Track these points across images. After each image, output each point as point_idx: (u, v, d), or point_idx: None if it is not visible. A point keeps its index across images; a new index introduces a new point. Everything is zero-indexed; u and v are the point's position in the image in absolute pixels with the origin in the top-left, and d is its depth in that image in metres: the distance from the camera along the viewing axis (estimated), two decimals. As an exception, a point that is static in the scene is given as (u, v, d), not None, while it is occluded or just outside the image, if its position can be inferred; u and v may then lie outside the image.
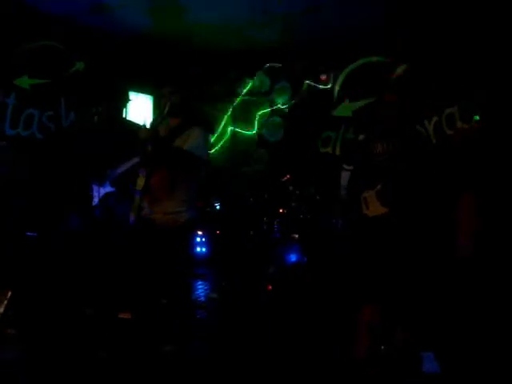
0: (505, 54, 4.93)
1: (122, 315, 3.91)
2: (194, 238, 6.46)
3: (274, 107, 7.49)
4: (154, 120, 3.46)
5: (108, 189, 4.66)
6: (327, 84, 6.95)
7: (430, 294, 3.14)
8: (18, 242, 4.47)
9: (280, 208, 6.23)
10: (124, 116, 5.67)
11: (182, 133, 3.36)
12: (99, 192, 4.61)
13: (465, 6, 5.10)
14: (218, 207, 6.92)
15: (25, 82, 5.50)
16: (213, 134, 7.09)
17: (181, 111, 3.48)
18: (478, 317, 3.61)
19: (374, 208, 2.94)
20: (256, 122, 7.55)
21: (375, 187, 2.95)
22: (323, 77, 6.95)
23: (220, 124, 7.65)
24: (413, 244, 2.87)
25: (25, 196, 4.94)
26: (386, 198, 2.90)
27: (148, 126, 3.35)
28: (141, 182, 3.38)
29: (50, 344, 3.58)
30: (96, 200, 4.85)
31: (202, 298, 5.16)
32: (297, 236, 5.89)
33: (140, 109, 6.92)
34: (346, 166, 3.38)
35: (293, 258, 5.73)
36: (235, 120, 7.65)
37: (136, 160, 3.77)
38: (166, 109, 3.33)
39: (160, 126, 3.40)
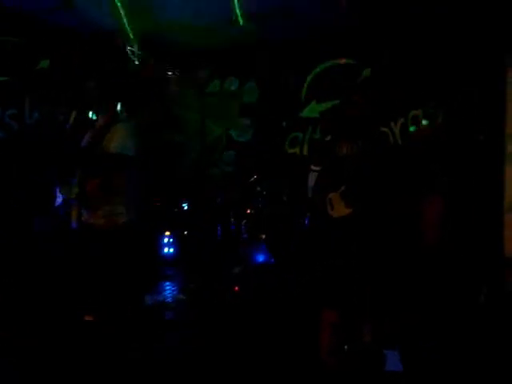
0: (468, 59, 5.07)
1: (87, 318, 3.86)
2: (159, 239, 6.41)
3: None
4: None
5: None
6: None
7: (394, 293, 3.19)
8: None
9: (247, 208, 6.24)
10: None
11: (107, 133, 3.22)
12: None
13: (431, 12, 5.20)
14: (185, 208, 6.87)
15: (-14, 79, 5.37)
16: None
17: (109, 109, 3.33)
18: (442, 316, 3.70)
19: (339, 209, 2.97)
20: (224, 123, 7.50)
21: (340, 188, 2.98)
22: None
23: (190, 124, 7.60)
24: (376, 244, 2.91)
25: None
26: (350, 199, 2.93)
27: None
28: (74, 190, 3.30)
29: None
30: (59, 200, 4.77)
31: (170, 299, 5.12)
32: (264, 236, 5.90)
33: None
34: (313, 167, 3.40)
35: (260, 258, 5.75)
36: (204, 120, 7.60)
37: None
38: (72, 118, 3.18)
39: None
